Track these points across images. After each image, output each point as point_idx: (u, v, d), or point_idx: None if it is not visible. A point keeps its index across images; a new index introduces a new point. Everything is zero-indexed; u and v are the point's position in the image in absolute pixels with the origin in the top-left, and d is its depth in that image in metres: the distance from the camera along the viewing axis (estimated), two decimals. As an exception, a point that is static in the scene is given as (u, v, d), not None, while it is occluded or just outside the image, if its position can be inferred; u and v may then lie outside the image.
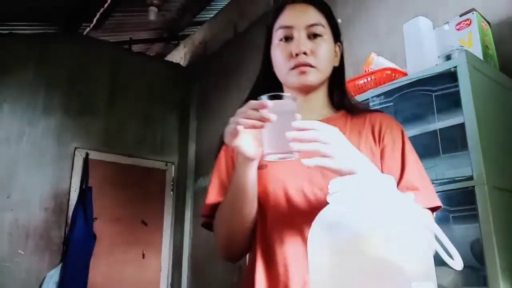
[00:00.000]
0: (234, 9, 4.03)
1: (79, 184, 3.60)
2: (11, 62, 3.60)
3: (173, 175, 4.22)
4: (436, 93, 1.56)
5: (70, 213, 3.50)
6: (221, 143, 0.99)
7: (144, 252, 3.88)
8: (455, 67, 1.45)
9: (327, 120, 0.90)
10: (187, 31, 4.83)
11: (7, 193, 3.36)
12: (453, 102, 1.48)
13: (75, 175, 3.65)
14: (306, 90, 0.95)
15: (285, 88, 0.98)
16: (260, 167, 0.87)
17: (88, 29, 4.37)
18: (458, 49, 1.56)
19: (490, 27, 1.70)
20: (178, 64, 4.65)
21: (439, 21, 1.92)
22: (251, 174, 0.82)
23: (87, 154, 3.73)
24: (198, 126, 4.25)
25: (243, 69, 3.69)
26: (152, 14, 3.93)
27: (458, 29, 1.64)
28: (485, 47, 1.60)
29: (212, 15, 4.45)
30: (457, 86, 1.43)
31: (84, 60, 3.94)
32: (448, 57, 1.56)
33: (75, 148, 3.72)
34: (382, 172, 0.85)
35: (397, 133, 0.90)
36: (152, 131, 4.18)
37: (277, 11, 0.98)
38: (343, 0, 2.65)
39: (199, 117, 4.26)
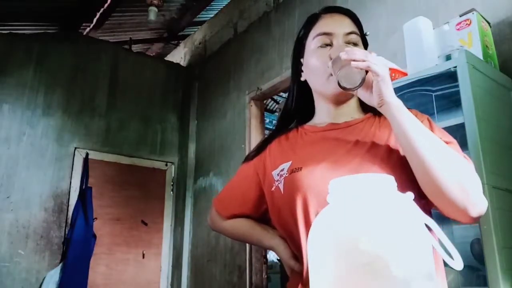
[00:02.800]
0: (234, 9, 4.03)
1: (79, 184, 3.60)
2: (11, 62, 3.60)
3: (173, 175, 4.22)
4: (436, 93, 1.56)
5: (70, 213, 3.50)
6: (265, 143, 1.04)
7: (144, 252, 3.88)
8: (455, 67, 1.45)
9: (355, 122, 0.93)
10: (187, 31, 4.83)
11: (7, 193, 3.36)
12: (453, 102, 1.48)
13: (75, 175, 3.65)
14: (345, 97, 0.94)
15: (319, 98, 0.99)
16: (294, 170, 0.89)
17: (88, 29, 4.37)
18: (458, 49, 1.56)
19: (490, 27, 1.70)
20: (178, 64, 4.66)
21: (439, 21, 1.92)
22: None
23: (87, 154, 3.73)
24: (198, 126, 4.25)
25: (243, 69, 3.69)
26: (152, 14, 3.94)
27: (458, 29, 1.64)
28: (485, 47, 1.60)
29: (212, 15, 4.45)
30: (457, 86, 1.43)
31: (84, 60, 3.94)
32: (448, 57, 1.56)
33: (75, 148, 3.73)
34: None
35: (422, 118, 0.89)
36: (152, 131, 4.18)
37: (311, 22, 0.98)
38: (343, 0, 2.66)
39: (199, 117, 4.26)
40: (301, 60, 1.00)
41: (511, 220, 1.37)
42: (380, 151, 0.85)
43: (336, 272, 0.46)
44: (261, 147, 1.02)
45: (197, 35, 4.62)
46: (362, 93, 0.83)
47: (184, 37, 4.88)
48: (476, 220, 0.77)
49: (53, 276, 3.24)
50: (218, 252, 3.54)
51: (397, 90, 1.64)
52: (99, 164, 3.79)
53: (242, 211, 1.03)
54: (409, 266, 0.45)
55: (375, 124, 0.92)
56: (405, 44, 1.74)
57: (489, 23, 1.70)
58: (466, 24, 1.62)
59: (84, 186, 3.56)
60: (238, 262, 3.29)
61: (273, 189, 0.93)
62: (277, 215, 0.92)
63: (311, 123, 1.00)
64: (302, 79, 0.99)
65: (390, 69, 1.76)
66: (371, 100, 0.81)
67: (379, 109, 0.82)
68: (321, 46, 0.93)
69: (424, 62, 1.60)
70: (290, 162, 0.91)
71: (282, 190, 0.89)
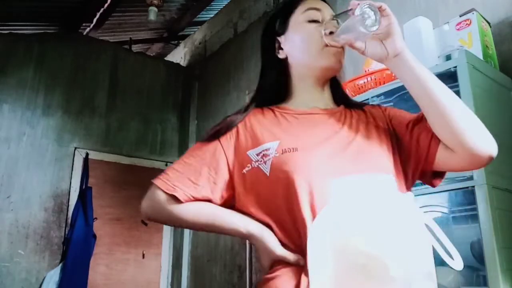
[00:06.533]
0: (234, 9, 4.03)
1: (79, 184, 3.60)
2: (11, 62, 3.60)
3: (173, 175, 4.21)
4: (436, 93, 1.56)
5: (70, 213, 3.50)
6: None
7: (144, 252, 3.87)
8: (455, 67, 1.45)
9: (332, 112, 0.92)
10: (187, 31, 4.83)
11: (7, 193, 3.36)
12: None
13: (75, 175, 3.65)
14: (333, 74, 0.94)
15: (302, 77, 0.94)
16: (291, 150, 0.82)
17: (88, 29, 4.37)
18: (458, 49, 1.56)
19: (490, 27, 1.70)
20: (178, 64, 4.66)
21: (439, 21, 1.93)
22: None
23: (87, 154, 3.73)
24: (198, 126, 4.25)
25: (243, 69, 3.69)
26: (152, 14, 3.93)
27: (458, 29, 1.64)
28: (485, 47, 1.60)
29: (212, 15, 4.45)
30: (457, 86, 1.43)
31: (84, 60, 3.94)
32: (448, 57, 1.56)
33: (75, 148, 3.72)
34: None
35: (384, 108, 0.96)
36: (152, 131, 4.18)
37: (295, 1, 0.96)
38: (343, 0, 2.65)
39: (199, 117, 4.26)
40: (279, 38, 0.95)
41: (511, 220, 1.37)
42: (372, 137, 0.86)
43: (336, 273, 0.46)
44: (229, 125, 0.90)
45: (197, 35, 4.62)
46: (372, 46, 0.80)
47: (184, 37, 4.87)
48: (489, 161, 0.80)
49: (53, 276, 3.24)
50: (218, 252, 3.54)
51: (396, 90, 1.64)
52: (99, 164, 3.79)
53: (205, 195, 0.87)
54: (409, 266, 0.45)
55: (354, 115, 0.92)
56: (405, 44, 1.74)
57: (489, 23, 1.69)
58: (466, 24, 1.62)
59: (84, 186, 3.55)
60: (238, 262, 3.29)
61: (245, 170, 0.85)
62: (255, 200, 0.83)
63: (289, 105, 0.94)
64: (281, 56, 0.95)
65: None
66: (383, 51, 0.80)
67: (391, 60, 0.80)
68: (310, 21, 0.92)
69: (424, 62, 1.58)
70: (277, 142, 0.83)
71: (267, 171, 0.81)
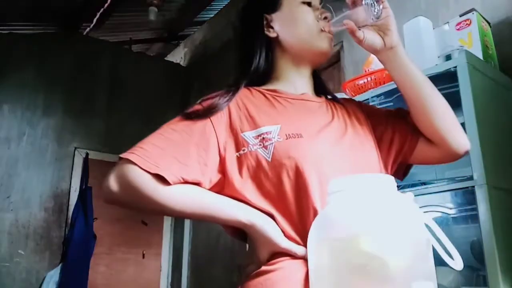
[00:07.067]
0: (234, 9, 4.03)
1: (79, 184, 3.60)
2: (11, 62, 3.60)
3: (173, 175, 4.22)
4: (436, 93, 1.56)
5: (70, 213, 3.50)
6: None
7: (144, 252, 3.88)
8: (455, 67, 1.45)
9: (319, 102, 0.90)
10: (187, 31, 4.83)
11: (7, 193, 3.36)
12: (453, 102, 1.47)
13: (75, 175, 3.65)
14: (324, 59, 0.91)
15: (292, 60, 0.90)
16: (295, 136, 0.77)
17: (88, 29, 4.37)
18: (458, 49, 1.56)
19: (490, 27, 1.70)
20: (178, 64, 4.66)
21: (439, 21, 1.93)
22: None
23: (87, 154, 3.73)
24: (198, 126, 4.25)
25: (243, 69, 3.69)
26: (152, 14, 3.93)
27: (458, 29, 1.64)
28: (485, 47, 1.60)
29: (212, 15, 4.45)
30: (457, 86, 1.43)
31: (84, 60, 3.94)
32: (448, 57, 1.56)
33: (75, 148, 3.73)
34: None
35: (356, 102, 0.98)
36: (152, 131, 4.14)
37: None
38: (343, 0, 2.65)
39: (199, 117, 4.26)
40: (268, 15, 0.91)
41: (511, 220, 1.37)
42: (359, 131, 0.87)
43: (336, 272, 0.46)
44: (219, 104, 0.82)
45: (197, 35, 4.61)
46: (371, 36, 0.81)
47: (184, 37, 4.87)
48: (463, 154, 0.85)
49: (53, 276, 3.24)
50: (218, 252, 3.54)
51: (396, 90, 1.63)
52: (99, 164, 3.79)
53: (195, 177, 0.75)
54: (409, 266, 0.45)
55: (338, 108, 0.91)
56: (405, 44, 1.74)
57: (489, 23, 1.69)
58: (466, 24, 1.62)
59: (84, 186, 3.55)
60: (238, 262, 3.29)
61: (239, 153, 0.77)
62: (255, 187, 0.76)
63: (276, 87, 0.89)
64: (272, 35, 0.90)
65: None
66: (380, 42, 0.81)
67: (386, 52, 0.82)
68: (303, 2, 0.90)
69: (424, 62, 1.60)
70: (278, 126, 0.78)
71: (268, 156, 0.75)
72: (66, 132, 3.72)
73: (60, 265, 3.30)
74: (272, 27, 0.90)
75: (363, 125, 0.89)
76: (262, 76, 0.90)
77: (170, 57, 4.97)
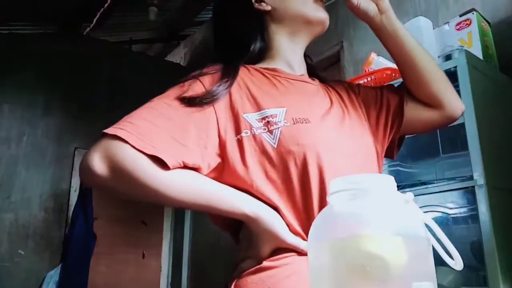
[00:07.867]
0: (234, 9, 4.03)
1: (79, 184, 3.60)
2: (11, 62, 3.60)
3: (173, 175, 4.22)
4: (436, 93, 1.56)
5: (70, 213, 3.50)
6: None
7: (144, 252, 3.88)
8: (455, 67, 1.46)
9: (311, 83, 0.86)
10: (187, 31, 4.83)
11: (7, 193, 3.36)
12: (453, 102, 1.48)
13: (75, 175, 3.65)
14: (321, 31, 0.87)
15: (288, 35, 0.85)
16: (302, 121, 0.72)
17: (88, 29, 4.37)
18: (458, 49, 1.56)
19: (490, 27, 1.70)
20: (178, 64, 4.65)
21: (439, 21, 1.93)
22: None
23: (87, 154, 3.73)
24: (198, 126, 4.25)
25: (243, 69, 3.69)
26: (152, 14, 3.93)
27: (458, 29, 1.64)
28: (485, 47, 1.60)
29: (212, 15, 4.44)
30: (457, 86, 1.43)
31: (84, 60, 3.94)
32: (448, 57, 1.56)
33: (75, 148, 3.73)
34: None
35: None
36: (152, 131, 4.18)
37: None
38: (342, 1, 2.65)
39: (199, 117, 4.26)
40: None
41: (511, 220, 1.37)
42: (354, 115, 0.85)
43: (336, 273, 0.46)
44: (220, 93, 0.73)
45: (197, 35, 4.62)
46: (364, 2, 0.83)
47: (184, 37, 4.87)
48: (460, 115, 0.91)
49: (53, 276, 3.24)
50: (218, 252, 3.54)
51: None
52: (99, 164, 3.79)
53: (195, 162, 0.67)
54: (409, 266, 0.45)
55: (331, 91, 0.88)
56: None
57: (489, 23, 1.70)
58: (466, 24, 1.62)
59: (84, 186, 3.55)
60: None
61: (241, 136, 0.70)
62: (260, 175, 0.69)
63: (272, 65, 0.84)
64: (267, 8, 0.84)
65: (390, 69, 1.76)
66: (373, 7, 0.84)
67: (379, 18, 0.84)
68: None
69: (424, 62, 1.60)
70: (284, 109, 0.72)
71: (274, 142, 0.69)
72: (66, 132, 3.72)
73: (60, 265, 3.30)
74: (263, 0, 0.84)
75: (357, 108, 0.87)
76: (257, 54, 0.84)
77: (170, 57, 4.97)
